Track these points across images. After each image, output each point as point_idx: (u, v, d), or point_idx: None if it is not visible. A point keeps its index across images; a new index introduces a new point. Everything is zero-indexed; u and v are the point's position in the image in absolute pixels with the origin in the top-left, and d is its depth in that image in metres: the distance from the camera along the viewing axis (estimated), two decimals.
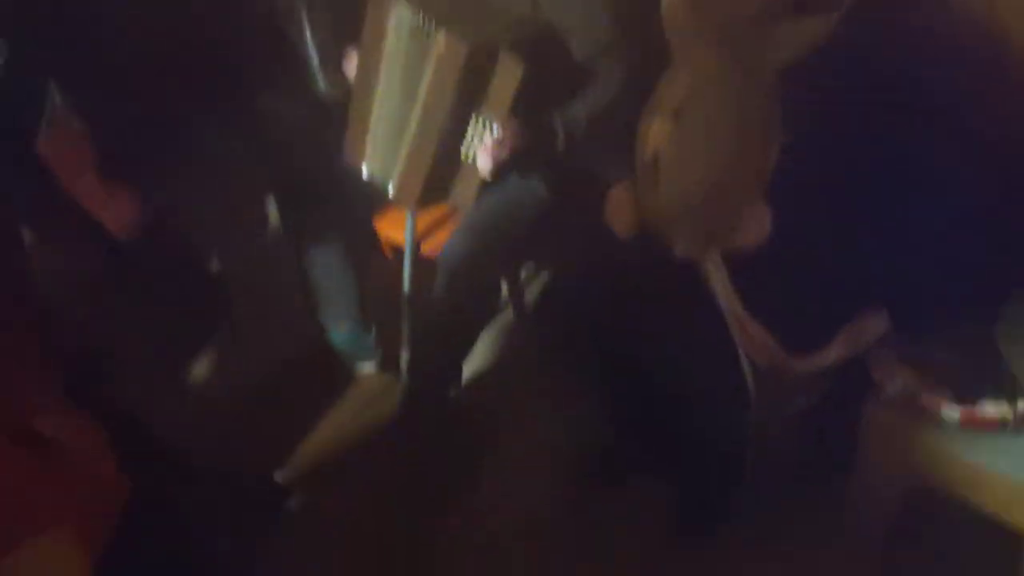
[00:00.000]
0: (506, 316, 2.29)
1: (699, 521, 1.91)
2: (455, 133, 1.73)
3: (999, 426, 1.56)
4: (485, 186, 1.79)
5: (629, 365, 1.79)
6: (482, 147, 1.71)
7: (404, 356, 2.08)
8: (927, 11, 1.61)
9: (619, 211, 1.58)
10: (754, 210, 1.48)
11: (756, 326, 1.55)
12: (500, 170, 1.73)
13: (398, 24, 1.71)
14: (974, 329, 1.65)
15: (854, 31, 1.47)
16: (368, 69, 1.80)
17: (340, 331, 2.19)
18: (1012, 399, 1.57)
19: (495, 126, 1.69)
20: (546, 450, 2.11)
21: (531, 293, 2.20)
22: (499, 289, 2.09)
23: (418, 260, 2.00)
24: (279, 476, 1.99)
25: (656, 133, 1.30)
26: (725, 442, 1.77)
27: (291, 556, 1.91)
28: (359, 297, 2.15)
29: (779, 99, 1.39)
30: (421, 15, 1.67)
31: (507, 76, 1.65)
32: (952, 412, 1.58)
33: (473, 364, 2.25)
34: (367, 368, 2.24)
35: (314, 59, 2.52)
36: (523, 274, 2.25)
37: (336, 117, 1.98)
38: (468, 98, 1.70)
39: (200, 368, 2.29)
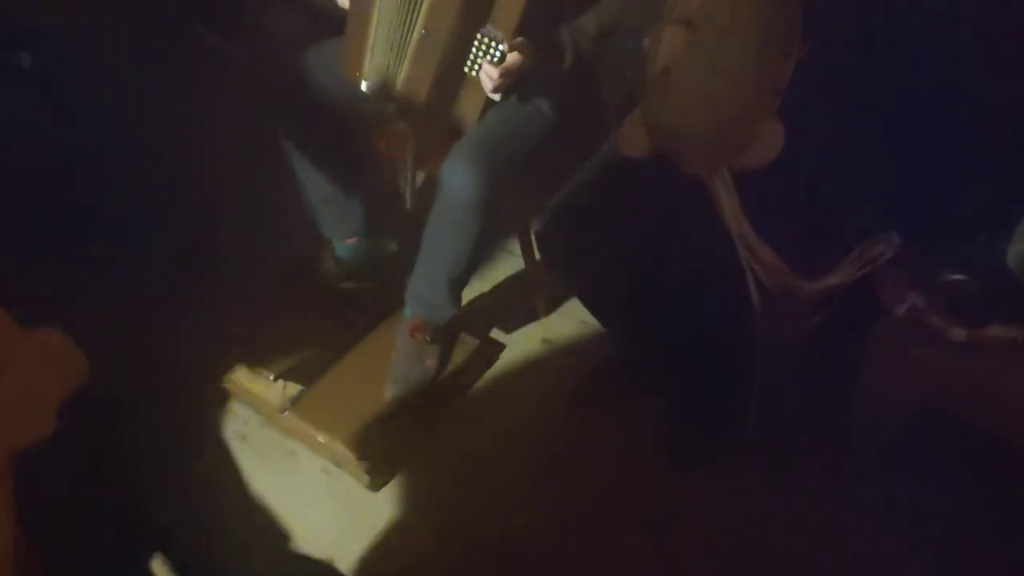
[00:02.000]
0: (510, 236, 2.27)
1: (700, 443, 1.91)
2: (459, 49, 1.67)
3: (1007, 346, 1.56)
4: (489, 105, 1.74)
5: (634, 286, 1.77)
6: (488, 65, 1.65)
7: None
8: None
9: (629, 138, 1.54)
10: (767, 127, 1.44)
11: (764, 247, 1.52)
12: (506, 89, 1.68)
13: None
14: (983, 250, 1.64)
15: None
16: None
17: (345, 245, 2.18)
18: (1021, 320, 1.56)
19: (501, 43, 1.63)
20: (546, 371, 2.11)
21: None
22: (502, 209, 2.05)
23: (418, 176, 1.96)
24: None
25: (669, 43, 1.25)
26: (730, 363, 1.77)
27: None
28: (365, 209, 2.12)
29: (798, 10, 1.34)
30: None
31: None
32: (959, 333, 1.58)
33: (476, 285, 2.23)
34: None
35: None
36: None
37: (334, 28, 1.92)
38: (473, 13, 1.63)
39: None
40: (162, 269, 2.23)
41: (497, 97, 1.71)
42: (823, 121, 1.50)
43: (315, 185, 2.05)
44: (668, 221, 1.64)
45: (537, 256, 2.05)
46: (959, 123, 1.60)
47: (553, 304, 2.24)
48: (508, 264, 2.37)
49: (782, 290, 1.57)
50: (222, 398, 2.08)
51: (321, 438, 1.92)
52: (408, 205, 1.94)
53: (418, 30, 1.68)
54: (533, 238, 1.97)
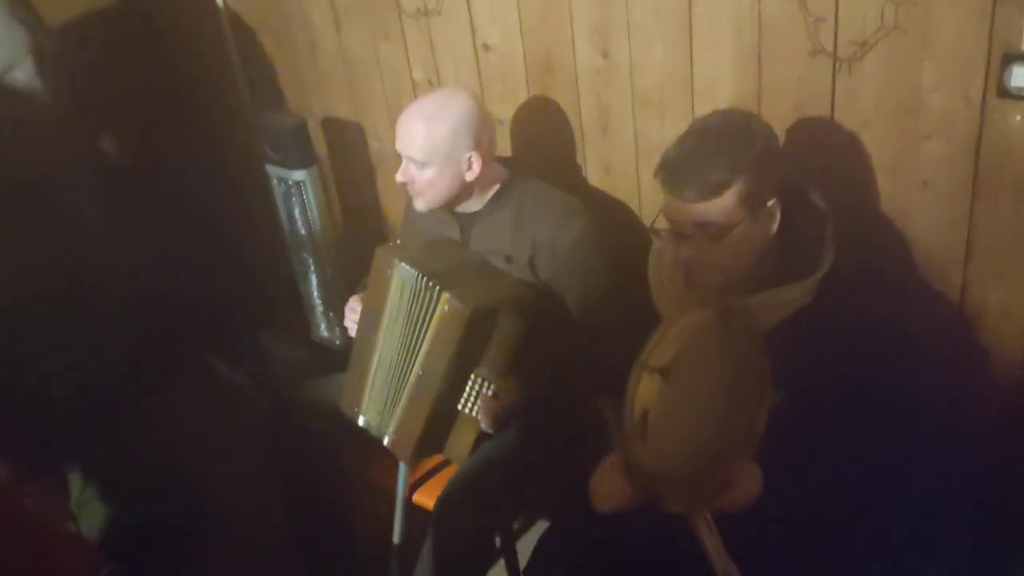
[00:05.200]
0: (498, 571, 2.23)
1: None
2: (453, 389, 1.77)
3: None
4: (482, 439, 1.80)
5: None
6: (480, 405, 1.74)
7: None
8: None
9: (604, 488, 1.59)
10: (745, 470, 1.48)
11: None
12: (497, 425, 1.75)
13: (401, 282, 1.78)
14: None
15: (830, 296, 1.55)
16: (370, 321, 1.86)
17: None
18: None
19: (493, 383, 1.74)
20: None
21: (524, 544, 2.14)
22: (492, 541, 2.05)
23: (410, 509, 1.97)
24: None
25: (645, 389, 1.33)
26: None
27: None
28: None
29: (768, 359, 1.43)
30: (424, 277, 1.75)
31: (507, 338, 1.71)
32: None
33: None
34: None
35: (319, 307, 2.63)
36: (516, 525, 2.21)
37: (334, 361, 2.03)
38: (468, 357, 1.75)
39: None
40: None
41: (491, 431, 1.78)
42: (802, 464, 1.54)
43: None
44: (652, 557, 1.63)
45: None
46: (940, 468, 1.64)
47: None
48: None
49: None
50: None
51: None
52: (397, 538, 1.94)
53: (415, 371, 1.78)
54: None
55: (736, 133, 1.54)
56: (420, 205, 1.92)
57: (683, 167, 1.52)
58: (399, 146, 1.88)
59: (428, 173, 1.86)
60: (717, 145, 1.52)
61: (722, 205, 1.50)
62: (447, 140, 1.84)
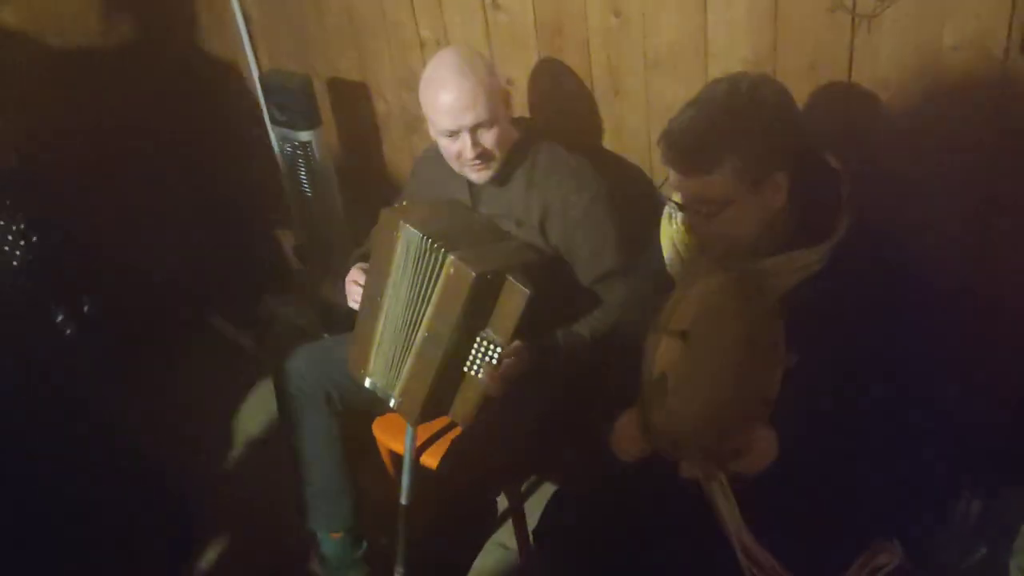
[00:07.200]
0: (506, 532, 2.24)
1: None
2: (459, 351, 1.76)
3: None
4: (487, 401, 1.79)
5: None
6: (486, 367, 1.73)
7: (399, 572, 2.01)
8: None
9: (625, 439, 1.58)
10: (760, 434, 1.47)
11: (764, 553, 1.50)
12: (504, 389, 1.74)
13: (406, 244, 1.76)
14: (985, 563, 1.61)
15: (846, 260, 1.53)
16: (376, 283, 1.84)
17: (331, 540, 2.14)
18: None
19: (499, 346, 1.72)
20: None
21: (532, 508, 2.15)
22: (496, 502, 2.05)
23: (417, 470, 1.97)
24: None
25: (664, 353, 1.32)
26: None
27: None
28: (355, 504, 2.10)
29: (782, 323, 1.42)
30: (429, 239, 1.72)
31: (513, 301, 1.69)
32: None
33: None
34: None
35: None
36: (525, 486, 2.21)
37: (339, 324, 2.02)
38: (473, 320, 1.73)
39: None
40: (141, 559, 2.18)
41: (497, 394, 1.77)
42: (816, 428, 1.53)
43: (308, 475, 2.06)
44: (665, 522, 1.63)
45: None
46: (952, 434, 1.63)
47: None
48: (503, 558, 2.32)
49: None
50: None
51: None
52: (404, 499, 1.93)
53: (421, 332, 1.77)
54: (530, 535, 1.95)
55: (740, 105, 1.47)
56: (485, 175, 1.87)
57: (678, 141, 1.48)
58: (459, 122, 1.79)
59: (495, 131, 1.83)
60: (716, 119, 1.46)
61: (717, 181, 1.46)
62: (497, 91, 1.83)
